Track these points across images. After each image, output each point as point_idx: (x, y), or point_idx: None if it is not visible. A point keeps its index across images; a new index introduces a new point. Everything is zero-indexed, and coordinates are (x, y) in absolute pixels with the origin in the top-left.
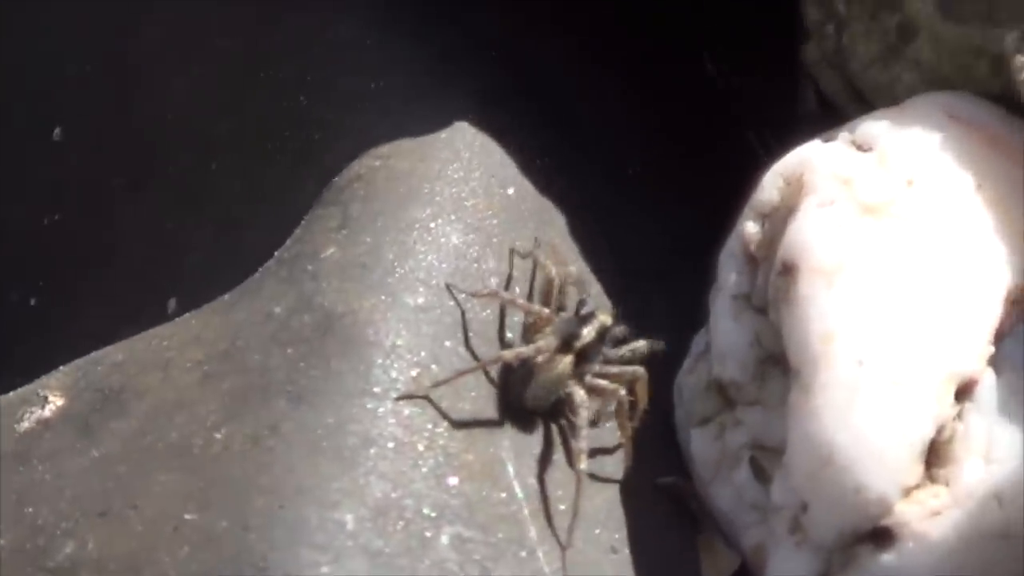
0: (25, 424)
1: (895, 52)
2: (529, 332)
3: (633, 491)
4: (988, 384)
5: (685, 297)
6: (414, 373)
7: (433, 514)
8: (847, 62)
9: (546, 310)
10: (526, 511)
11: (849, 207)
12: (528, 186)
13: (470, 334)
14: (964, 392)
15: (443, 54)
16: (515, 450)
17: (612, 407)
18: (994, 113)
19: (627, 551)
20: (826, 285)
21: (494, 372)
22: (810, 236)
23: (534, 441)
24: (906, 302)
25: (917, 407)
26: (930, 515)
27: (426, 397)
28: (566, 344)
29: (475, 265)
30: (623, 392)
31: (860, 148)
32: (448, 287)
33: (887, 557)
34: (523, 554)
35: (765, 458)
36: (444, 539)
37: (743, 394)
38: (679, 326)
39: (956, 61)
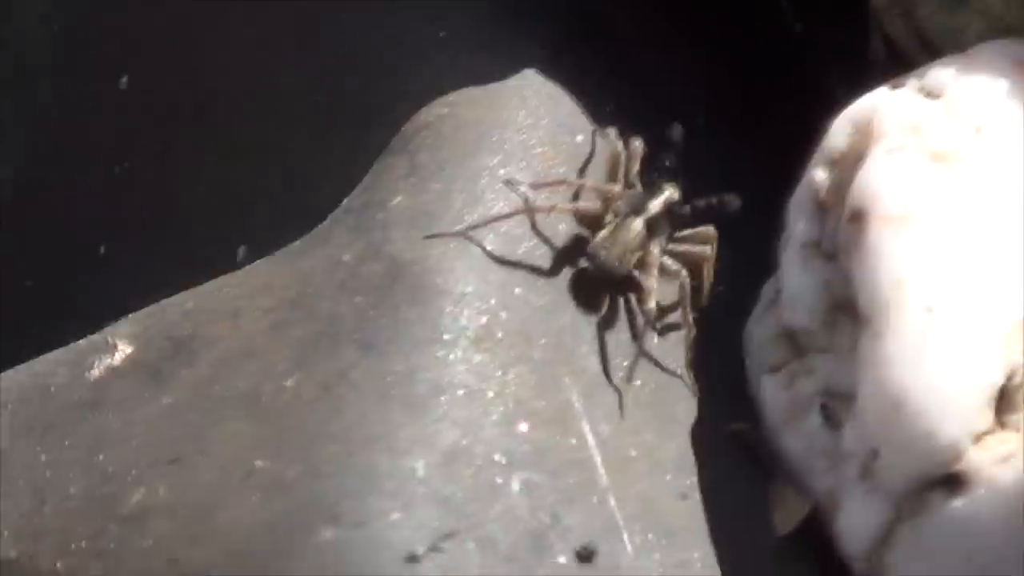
0: (95, 372)
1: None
2: (602, 207)
3: (703, 438)
4: None
5: (755, 245)
6: (483, 320)
7: (503, 460)
8: (915, 9)
9: (616, 187)
10: (597, 457)
11: (918, 154)
12: None
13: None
14: None
15: (510, 2)
16: (585, 396)
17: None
18: None
19: (698, 497)
20: (896, 232)
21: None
22: (879, 183)
23: (605, 384)
24: (975, 249)
25: (987, 353)
26: (1000, 461)
27: (462, 234)
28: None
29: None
30: (685, 273)
31: (928, 95)
32: (507, 183)
33: (958, 503)
34: (594, 499)
35: (836, 405)
36: (515, 485)
37: (813, 341)
38: (750, 274)
39: (1022, 9)
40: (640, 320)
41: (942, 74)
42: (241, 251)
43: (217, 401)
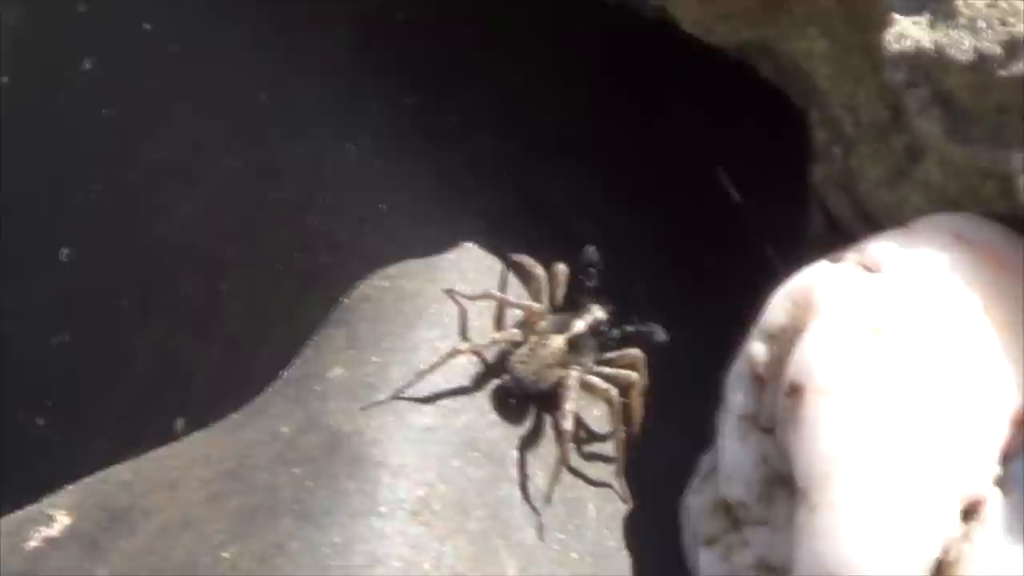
0: (32, 543)
1: (903, 173)
2: (524, 329)
3: None
4: (995, 504)
5: (695, 417)
6: (421, 492)
7: None
8: (855, 183)
9: (537, 305)
10: None
11: (857, 328)
12: None
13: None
14: (971, 512)
15: (451, 176)
16: (521, 568)
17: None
18: (1001, 234)
19: None
20: (832, 406)
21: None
22: (817, 357)
23: (542, 558)
24: (913, 423)
25: (924, 527)
26: None
27: (396, 398)
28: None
29: (482, 385)
30: (615, 392)
31: (868, 269)
32: (448, 292)
33: None
34: None
35: None
36: None
37: (750, 514)
38: (686, 446)
39: (964, 182)
40: (561, 441)
41: (882, 248)
42: (179, 422)
43: (154, 572)
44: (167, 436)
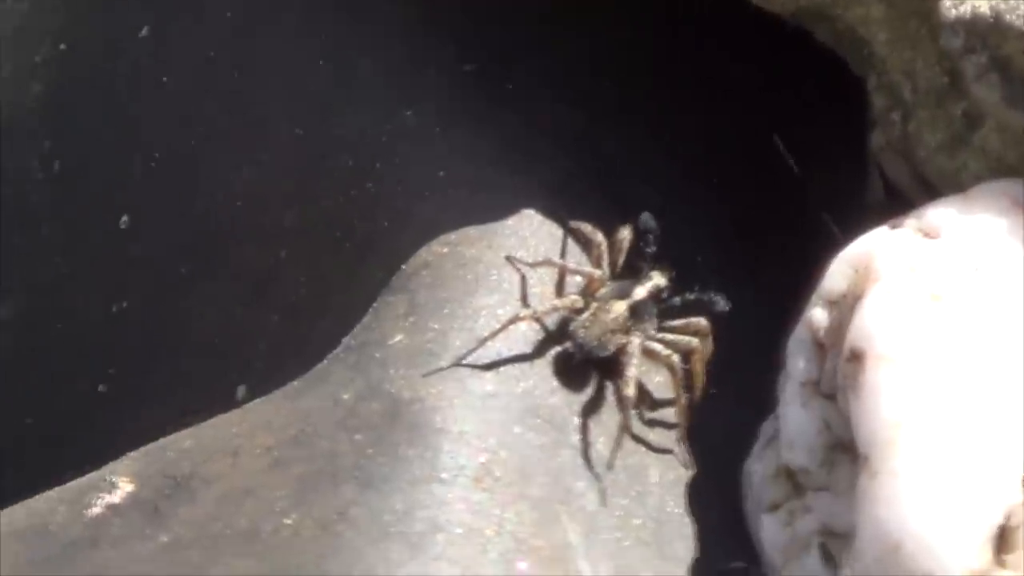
0: (95, 510)
1: (961, 140)
2: (585, 296)
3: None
4: None
5: (756, 383)
6: (482, 459)
7: None
8: (913, 150)
9: (597, 271)
10: None
11: (916, 294)
12: None
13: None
14: None
15: (509, 142)
16: (584, 534)
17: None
18: None
19: None
20: (894, 372)
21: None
22: (877, 323)
23: (604, 524)
24: (974, 388)
25: (986, 493)
26: None
27: (457, 364)
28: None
29: (543, 351)
30: (676, 358)
31: (927, 235)
32: (508, 258)
33: None
34: None
35: (835, 544)
36: None
37: (812, 480)
38: (749, 412)
39: (1022, 149)
40: (624, 407)
41: (941, 214)
42: (241, 390)
43: (216, 539)
44: (228, 403)
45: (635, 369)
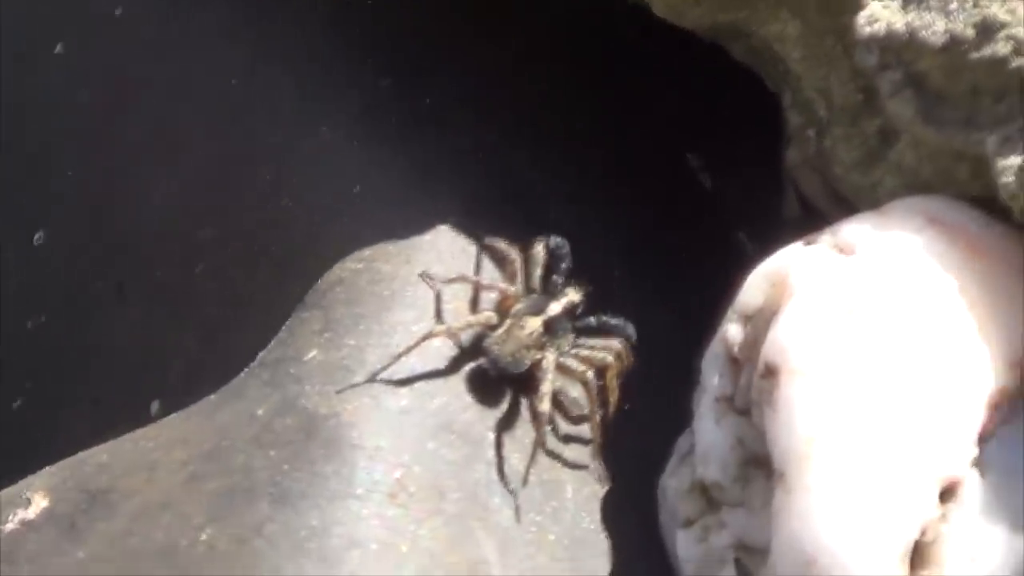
0: (10, 525)
1: (876, 156)
2: (499, 312)
3: None
4: (973, 486)
5: (671, 399)
6: (397, 475)
7: None
8: (828, 166)
9: (511, 287)
10: None
11: (831, 310)
12: None
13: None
14: (948, 494)
15: (425, 159)
16: (500, 550)
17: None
18: (974, 216)
19: None
20: (808, 387)
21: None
22: (792, 338)
23: (519, 539)
24: (889, 404)
25: (901, 509)
26: None
27: (371, 381)
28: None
29: (457, 367)
30: (591, 374)
31: (842, 251)
32: (422, 275)
33: None
34: None
35: (750, 560)
36: None
37: (727, 496)
38: (663, 427)
39: (937, 164)
40: (538, 423)
41: (856, 230)
42: (156, 405)
43: (133, 554)
44: (144, 418)
45: (550, 384)
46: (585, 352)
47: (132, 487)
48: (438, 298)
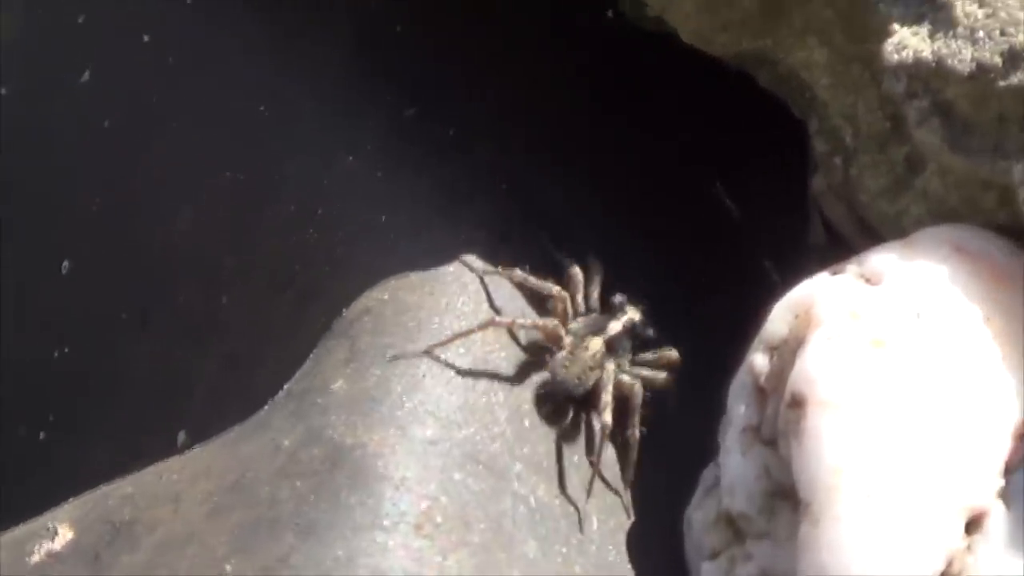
0: (36, 557)
1: (903, 184)
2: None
3: None
4: (998, 517)
5: (697, 429)
6: (424, 506)
7: None
8: (855, 194)
9: (552, 321)
10: None
11: (858, 340)
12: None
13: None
14: (974, 525)
15: (451, 187)
16: None
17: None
18: (1001, 245)
19: None
20: (835, 418)
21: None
22: (819, 369)
23: (544, 571)
24: (915, 435)
25: (927, 540)
26: None
27: (427, 353)
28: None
29: (484, 398)
30: (638, 388)
31: (868, 281)
32: (461, 260)
33: None
34: None
35: None
36: None
37: (752, 527)
38: (690, 459)
39: (964, 193)
40: (596, 436)
41: (882, 260)
42: (181, 436)
43: None
44: (169, 449)
45: (610, 396)
46: (646, 372)
47: (156, 519)
48: (485, 288)
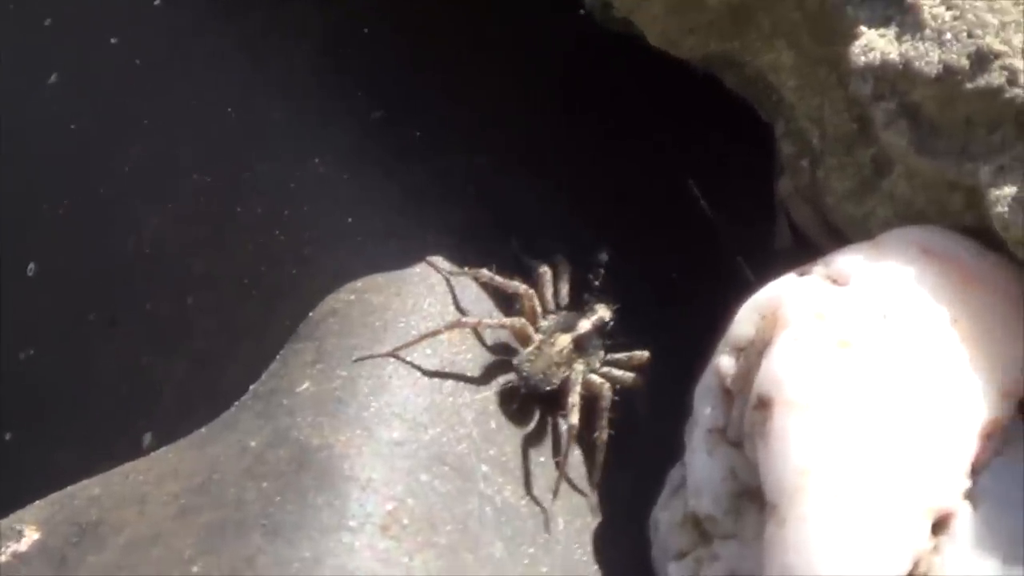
0: (1, 558)
1: (869, 186)
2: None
3: None
4: (965, 518)
5: (664, 430)
6: (390, 507)
7: None
8: (821, 196)
9: (519, 320)
10: None
11: (824, 341)
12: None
13: None
14: (941, 526)
15: (417, 190)
16: None
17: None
18: (968, 247)
19: None
20: (801, 419)
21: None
22: (785, 370)
23: (511, 572)
24: (882, 436)
25: (893, 541)
26: None
27: (392, 354)
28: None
29: (450, 399)
30: (607, 388)
31: (835, 282)
32: (428, 262)
33: None
34: None
35: None
36: None
37: (719, 528)
38: (656, 459)
39: (930, 195)
40: (563, 438)
41: (849, 261)
42: (147, 437)
43: None
44: (135, 451)
45: (577, 397)
46: (616, 372)
47: (123, 520)
48: (452, 290)
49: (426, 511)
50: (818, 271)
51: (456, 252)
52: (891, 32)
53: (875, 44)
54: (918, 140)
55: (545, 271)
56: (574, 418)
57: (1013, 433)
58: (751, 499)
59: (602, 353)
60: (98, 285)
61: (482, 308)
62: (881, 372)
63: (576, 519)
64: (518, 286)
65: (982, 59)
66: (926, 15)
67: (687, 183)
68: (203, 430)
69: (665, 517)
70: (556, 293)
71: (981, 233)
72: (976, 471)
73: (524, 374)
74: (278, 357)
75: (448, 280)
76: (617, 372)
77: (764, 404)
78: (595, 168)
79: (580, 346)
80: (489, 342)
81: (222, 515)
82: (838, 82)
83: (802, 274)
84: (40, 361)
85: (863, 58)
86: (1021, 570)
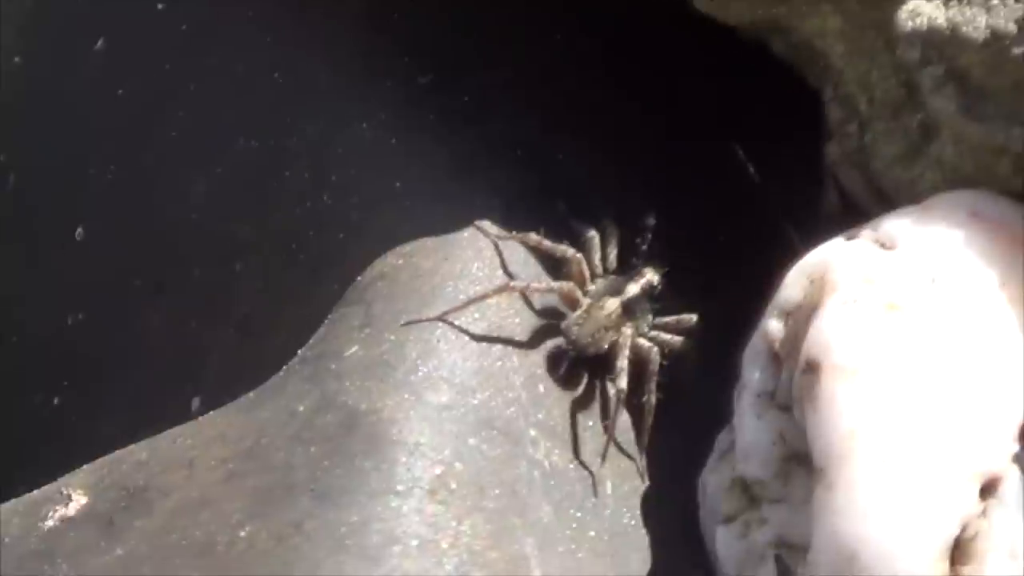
0: (49, 522)
1: (917, 151)
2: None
3: None
4: (1013, 481)
5: (712, 394)
6: (438, 471)
7: None
8: (869, 161)
9: (567, 284)
10: None
11: (872, 305)
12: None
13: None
14: (989, 489)
15: (466, 153)
16: (539, 546)
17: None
18: (1016, 211)
19: None
20: (849, 383)
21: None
22: (833, 334)
23: (559, 536)
24: (930, 400)
25: (942, 505)
26: None
27: (441, 318)
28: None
29: (499, 363)
30: (655, 352)
31: (883, 246)
32: (476, 226)
33: None
34: None
35: (790, 556)
36: None
37: (767, 492)
38: (705, 423)
39: (978, 159)
40: (612, 402)
41: (897, 225)
42: (195, 402)
43: (171, 551)
44: (183, 415)
45: (626, 361)
46: (664, 336)
47: (171, 484)
48: (500, 254)
49: (474, 475)
50: (866, 235)
51: (504, 216)
52: None
53: (922, 9)
54: (965, 105)
55: (593, 235)
56: (622, 382)
57: None
58: (799, 463)
59: (650, 317)
60: (145, 250)
61: (530, 272)
62: (929, 336)
63: (624, 483)
64: (566, 250)
65: None
66: None
67: (732, 147)
68: (251, 395)
69: (713, 481)
70: (604, 257)
71: None
72: None
73: (572, 338)
74: (326, 321)
75: (496, 244)
76: (665, 336)
77: (812, 368)
78: (643, 132)
79: (628, 310)
80: (537, 306)
81: (270, 479)
82: (885, 47)
83: (850, 238)
84: (88, 326)
85: (910, 23)
86: None
